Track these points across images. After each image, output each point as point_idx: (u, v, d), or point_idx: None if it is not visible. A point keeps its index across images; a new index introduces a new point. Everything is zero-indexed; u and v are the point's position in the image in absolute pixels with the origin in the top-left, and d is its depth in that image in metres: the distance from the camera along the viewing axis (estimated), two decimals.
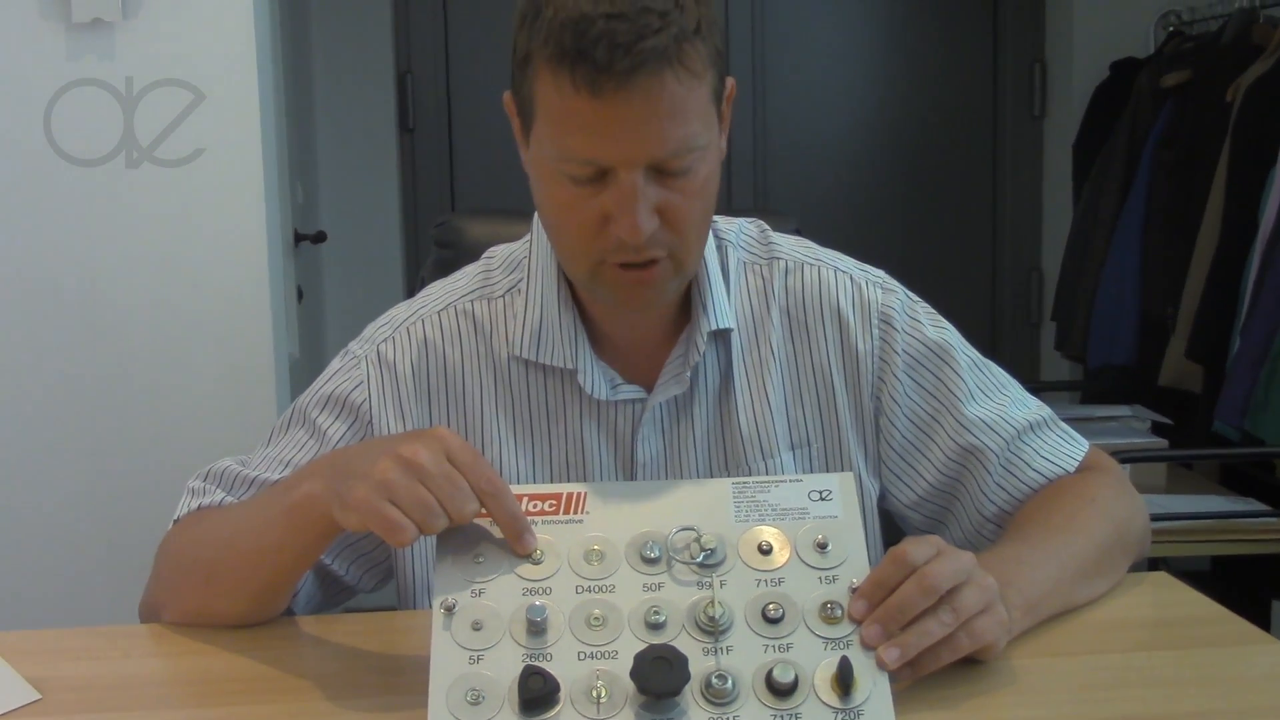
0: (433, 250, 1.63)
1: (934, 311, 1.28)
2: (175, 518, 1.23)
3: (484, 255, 1.29)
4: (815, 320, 1.24)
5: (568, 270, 1.17)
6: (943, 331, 1.26)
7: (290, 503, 1.05)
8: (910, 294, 1.28)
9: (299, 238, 2.81)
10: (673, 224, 1.08)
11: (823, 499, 0.98)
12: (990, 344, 3.67)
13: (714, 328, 1.19)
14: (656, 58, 1.00)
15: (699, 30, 1.03)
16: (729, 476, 1.19)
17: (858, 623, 0.92)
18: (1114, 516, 1.19)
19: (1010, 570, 1.05)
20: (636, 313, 1.17)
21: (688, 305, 1.21)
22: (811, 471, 1.22)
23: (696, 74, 1.04)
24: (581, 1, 1.01)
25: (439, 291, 1.27)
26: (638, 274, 1.10)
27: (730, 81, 1.13)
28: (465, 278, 1.27)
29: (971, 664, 0.99)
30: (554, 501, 0.99)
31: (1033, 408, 1.28)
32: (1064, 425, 1.28)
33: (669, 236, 1.08)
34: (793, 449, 1.23)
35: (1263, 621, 1.57)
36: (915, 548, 0.94)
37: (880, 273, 1.28)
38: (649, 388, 1.20)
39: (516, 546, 0.96)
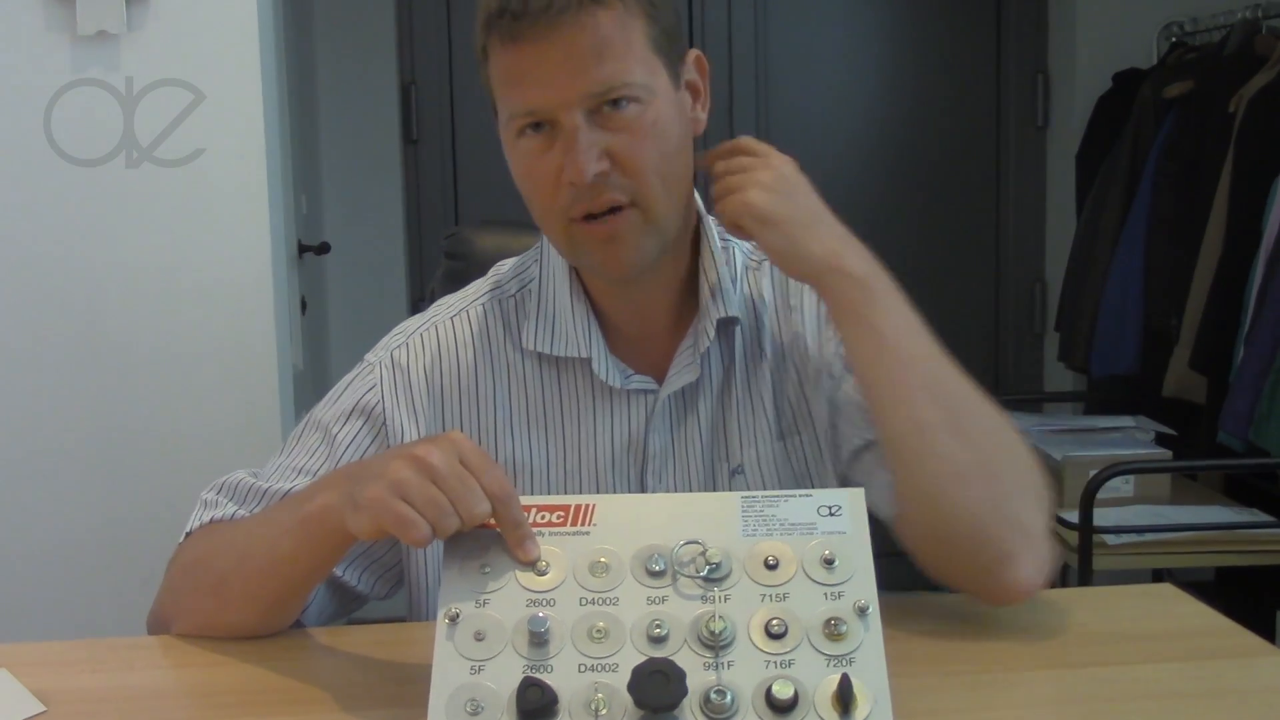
0: (442, 261, 1.64)
1: None
2: (187, 530, 1.23)
3: (492, 268, 1.32)
4: (796, 313, 1.26)
5: (552, 242, 1.20)
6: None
7: (304, 514, 1.05)
8: None
9: (303, 249, 2.81)
10: (625, 167, 1.11)
11: (831, 514, 0.98)
12: (994, 355, 3.67)
13: (722, 315, 1.21)
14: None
15: None
16: (727, 466, 1.22)
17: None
18: (1006, 422, 1.14)
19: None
20: (620, 275, 1.17)
21: (695, 298, 1.23)
22: (804, 460, 1.24)
23: (616, 14, 1.08)
24: None
25: (451, 300, 1.30)
26: (603, 226, 1.12)
27: (694, 53, 1.19)
28: (476, 286, 1.30)
29: (973, 676, 0.98)
30: (562, 513, 0.99)
31: None
32: None
33: (625, 180, 1.11)
34: (783, 438, 1.24)
35: (1267, 633, 1.56)
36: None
37: None
38: (659, 380, 1.22)
39: (518, 553, 0.96)
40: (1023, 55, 3.63)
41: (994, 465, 1.10)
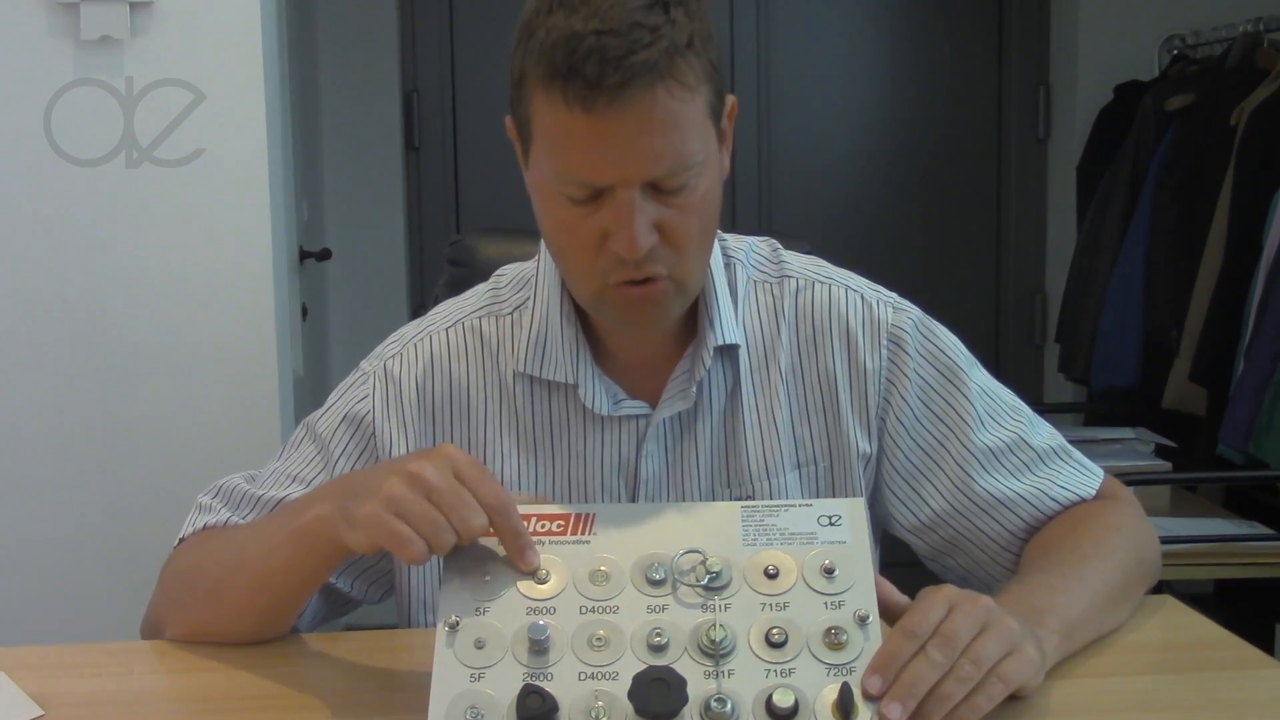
0: (445, 269, 1.64)
1: (949, 334, 1.27)
2: (180, 536, 1.23)
3: (494, 274, 1.30)
4: (824, 338, 1.24)
5: (574, 293, 1.17)
6: (955, 356, 1.26)
7: (298, 525, 1.05)
8: (925, 316, 1.27)
9: (304, 255, 2.81)
10: (672, 241, 1.08)
11: (832, 524, 0.98)
12: (994, 366, 3.65)
13: (720, 343, 1.19)
14: (647, 71, 1.00)
15: (691, 44, 1.04)
16: (731, 495, 1.21)
17: (875, 699, 0.88)
18: (1137, 544, 1.19)
19: (1044, 598, 1.04)
20: (642, 334, 1.17)
21: (693, 322, 1.21)
22: (816, 491, 1.23)
23: (690, 88, 1.04)
24: (573, 20, 1.01)
25: (449, 309, 1.28)
26: (639, 291, 1.09)
27: (731, 99, 1.13)
28: (475, 295, 1.28)
29: None
30: (562, 522, 0.99)
31: (1045, 435, 1.27)
32: (1077, 454, 1.27)
33: (668, 254, 1.08)
34: (798, 468, 1.22)
35: (1266, 645, 1.56)
36: (924, 616, 0.91)
37: (892, 294, 1.28)
38: (653, 404, 1.20)
39: (519, 563, 0.96)
40: (1024, 67, 3.64)
41: (1134, 597, 1.18)
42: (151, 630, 1.20)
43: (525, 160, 1.12)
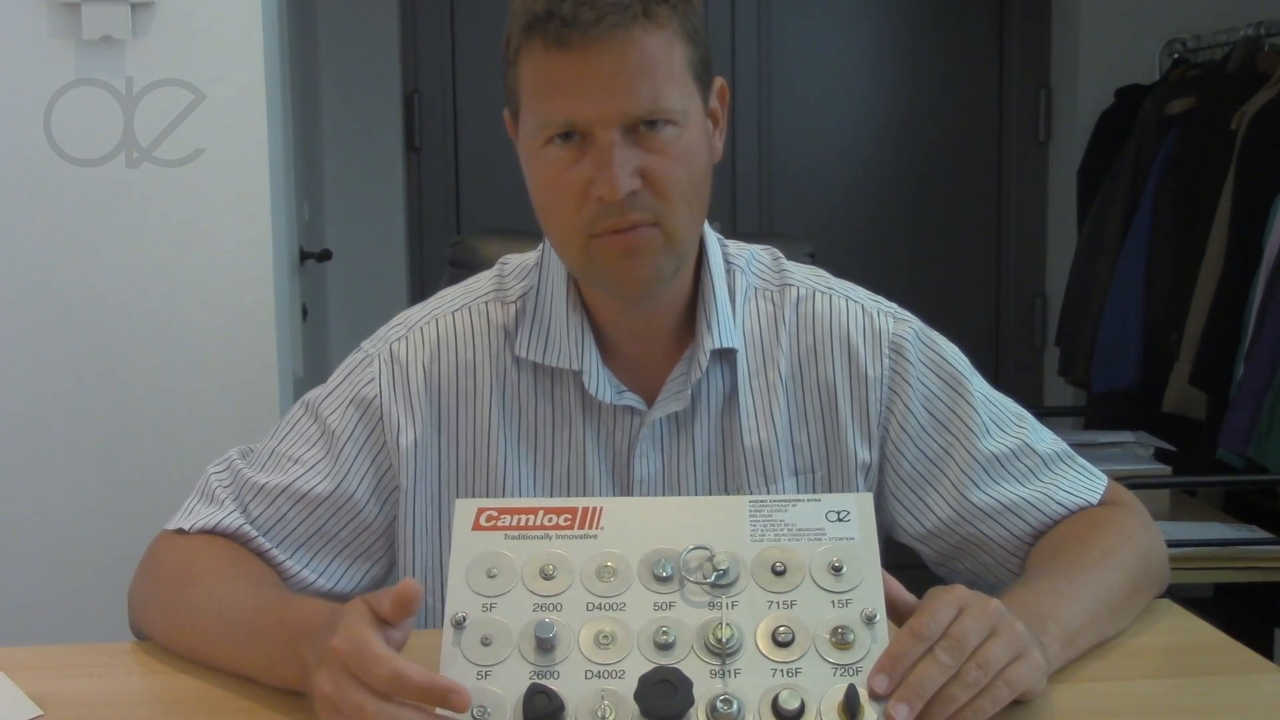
0: (446, 270, 1.64)
1: (949, 343, 1.27)
2: (180, 527, 1.21)
3: (498, 262, 1.30)
4: (824, 347, 1.24)
5: (565, 259, 1.18)
6: (957, 364, 1.26)
7: (259, 678, 1.03)
8: (926, 326, 1.28)
9: (304, 255, 2.81)
10: (656, 187, 1.09)
11: (840, 520, 0.97)
12: (994, 369, 3.67)
13: (716, 346, 1.20)
14: (620, 10, 1.05)
15: (668, 0, 1.08)
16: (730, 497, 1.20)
17: (881, 699, 0.88)
18: (1146, 553, 1.19)
19: (1048, 604, 1.04)
20: (633, 293, 1.15)
21: (693, 325, 1.21)
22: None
23: (666, 31, 1.07)
24: None
25: (455, 293, 1.29)
26: (624, 239, 1.10)
27: (720, 81, 1.16)
28: (481, 281, 1.29)
29: None
30: (569, 516, 0.98)
31: (1049, 441, 1.27)
32: (1081, 460, 1.27)
33: (653, 200, 1.10)
34: (796, 474, 1.23)
35: (1265, 649, 1.56)
36: (933, 618, 0.91)
37: (893, 305, 1.28)
38: (651, 402, 1.21)
39: (447, 706, 0.87)
40: (1025, 70, 3.64)
41: (1139, 603, 1.17)
42: (137, 627, 1.19)
43: (516, 134, 1.15)
